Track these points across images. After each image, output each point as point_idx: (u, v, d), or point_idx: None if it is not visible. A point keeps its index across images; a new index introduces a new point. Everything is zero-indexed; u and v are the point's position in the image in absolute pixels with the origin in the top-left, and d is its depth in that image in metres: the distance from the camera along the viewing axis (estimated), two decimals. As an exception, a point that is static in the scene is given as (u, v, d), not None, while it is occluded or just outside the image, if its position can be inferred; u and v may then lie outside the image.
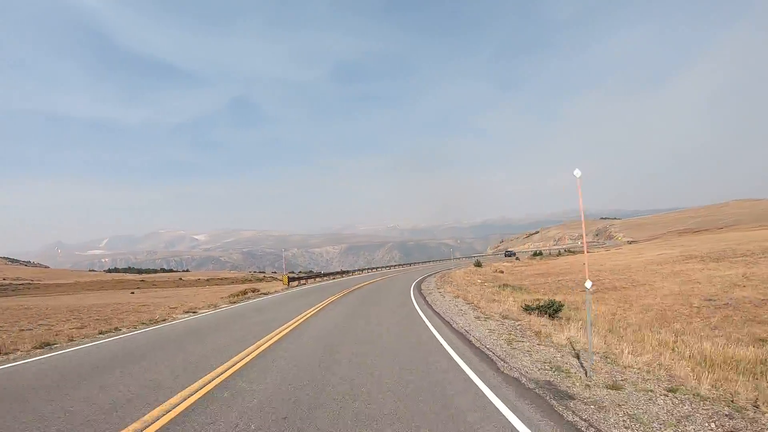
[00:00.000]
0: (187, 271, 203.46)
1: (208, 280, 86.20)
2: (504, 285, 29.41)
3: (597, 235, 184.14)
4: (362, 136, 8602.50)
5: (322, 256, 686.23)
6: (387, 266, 62.76)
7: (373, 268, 60.49)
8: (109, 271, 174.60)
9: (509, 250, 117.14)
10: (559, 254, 75.98)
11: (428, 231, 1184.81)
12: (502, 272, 43.22)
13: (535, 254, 77.27)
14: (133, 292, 50.58)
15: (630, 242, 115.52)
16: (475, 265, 51.37)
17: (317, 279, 44.57)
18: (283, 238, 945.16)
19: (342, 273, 51.42)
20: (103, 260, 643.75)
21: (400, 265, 65.44)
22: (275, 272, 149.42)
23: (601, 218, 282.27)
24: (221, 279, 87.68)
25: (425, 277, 37.93)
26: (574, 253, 75.70)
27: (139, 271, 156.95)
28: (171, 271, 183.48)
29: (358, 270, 59.39)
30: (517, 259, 74.39)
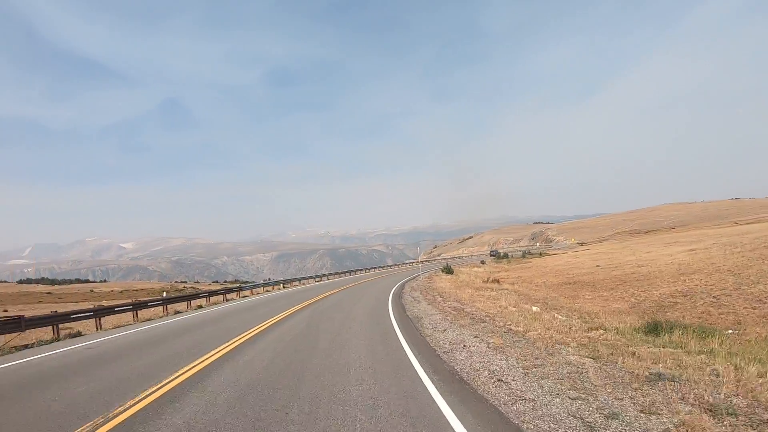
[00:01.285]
0: (105, 281, 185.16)
1: (122, 291, 79.73)
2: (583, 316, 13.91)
3: (533, 238, 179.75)
4: (294, 142, 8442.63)
5: (253, 265, 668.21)
6: (317, 277, 45.55)
7: (310, 278, 43.35)
8: (21, 282, 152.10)
9: (494, 249, 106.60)
10: (541, 254, 63.95)
11: (359, 238, 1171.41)
12: (497, 282, 28.03)
13: (503, 255, 64.21)
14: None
15: (581, 243, 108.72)
16: (445, 272, 36.01)
17: (239, 294, 29.47)
18: (213, 246, 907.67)
19: (267, 286, 34.23)
20: (26, 270, 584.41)
21: (334, 274, 48.29)
22: (198, 282, 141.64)
23: (535, 222, 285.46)
24: (137, 290, 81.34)
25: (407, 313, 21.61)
26: (546, 254, 63.17)
27: (53, 282, 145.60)
28: (87, 281, 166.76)
29: (297, 280, 41.41)
30: (500, 257, 62.05)
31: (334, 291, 25.59)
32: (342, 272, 50.28)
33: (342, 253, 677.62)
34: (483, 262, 57.73)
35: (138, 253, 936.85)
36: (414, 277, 32.99)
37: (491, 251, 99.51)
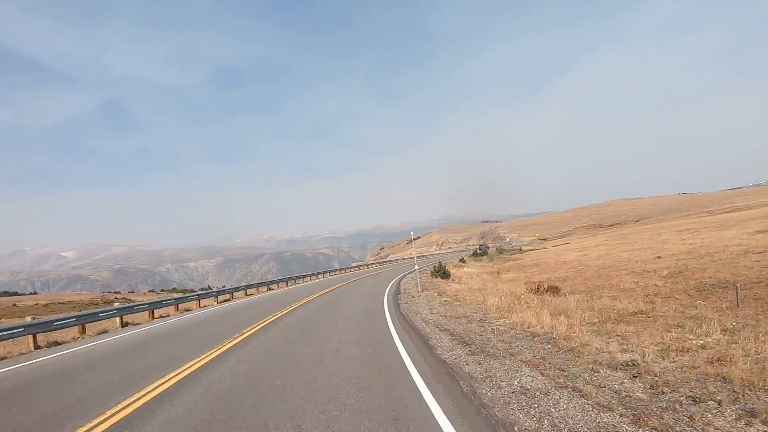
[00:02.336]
0: (35, 293, 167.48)
1: (46, 305, 73.51)
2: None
3: (482, 237, 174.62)
4: (240, 146, 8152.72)
5: (198, 271, 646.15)
6: (259, 285, 32.27)
7: (255, 286, 29.92)
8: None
9: (483, 245, 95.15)
10: (520, 250, 53.95)
11: (305, 241, 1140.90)
12: (551, 291, 16.43)
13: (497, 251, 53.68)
14: None
15: (543, 239, 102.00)
16: (439, 275, 23.98)
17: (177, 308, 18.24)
18: (157, 253, 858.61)
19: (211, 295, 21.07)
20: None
21: (279, 281, 34.79)
22: (132, 291, 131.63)
23: (482, 222, 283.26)
24: (63, 303, 75.28)
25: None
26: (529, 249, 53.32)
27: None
28: (16, 294, 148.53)
29: (245, 286, 28.07)
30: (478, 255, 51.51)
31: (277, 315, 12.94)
32: (289, 278, 36.65)
33: (288, 257, 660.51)
34: (463, 261, 46.65)
35: (79, 262, 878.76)
36: (399, 289, 20.55)
37: (479, 246, 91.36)
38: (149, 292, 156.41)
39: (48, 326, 13.08)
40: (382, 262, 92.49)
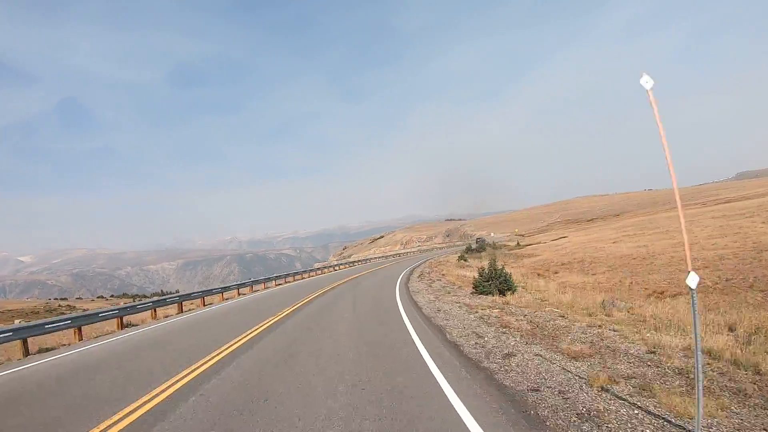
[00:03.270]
0: None
1: None
2: None
3: (448, 235, 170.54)
4: (201, 146, 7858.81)
5: (159, 274, 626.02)
6: (220, 290, 22.32)
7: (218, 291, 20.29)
8: None
9: (480, 238, 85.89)
10: (518, 245, 46.31)
11: (267, 242, 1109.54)
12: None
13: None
14: None
15: (521, 235, 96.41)
16: (489, 287, 15.15)
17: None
18: (116, 256, 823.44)
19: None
20: None
21: (246, 285, 24.27)
22: (80, 298, 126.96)
23: (446, 220, 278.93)
24: (2, 312, 69.08)
25: None
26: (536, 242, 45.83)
27: None
28: None
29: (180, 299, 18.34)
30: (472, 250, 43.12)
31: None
32: (250, 281, 26.40)
33: (250, 259, 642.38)
34: (464, 258, 38.16)
35: (37, 266, 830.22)
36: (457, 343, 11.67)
37: (477, 239, 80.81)
38: (98, 298, 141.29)
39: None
40: (353, 263, 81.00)
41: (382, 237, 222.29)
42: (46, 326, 11.93)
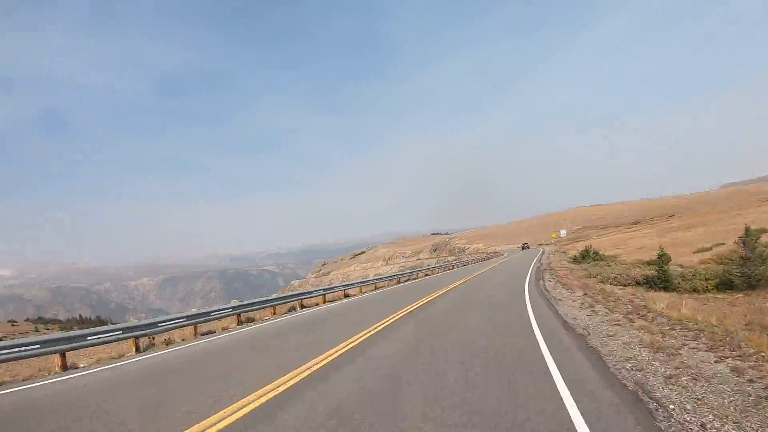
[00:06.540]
0: None
1: None
2: None
3: (435, 249, 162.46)
4: (179, 157, 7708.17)
5: (138, 290, 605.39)
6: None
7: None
8: None
9: (526, 244, 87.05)
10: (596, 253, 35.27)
11: (249, 258, 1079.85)
12: None
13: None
14: None
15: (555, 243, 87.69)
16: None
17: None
18: (95, 271, 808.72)
19: None
20: None
21: (219, 311, 12.10)
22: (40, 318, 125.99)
23: (432, 234, 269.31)
24: None
25: None
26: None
27: None
28: None
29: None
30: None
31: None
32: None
33: (232, 275, 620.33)
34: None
35: (17, 280, 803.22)
36: None
37: (523, 245, 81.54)
38: (51, 320, 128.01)
39: None
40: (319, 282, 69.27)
41: (363, 252, 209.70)
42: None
